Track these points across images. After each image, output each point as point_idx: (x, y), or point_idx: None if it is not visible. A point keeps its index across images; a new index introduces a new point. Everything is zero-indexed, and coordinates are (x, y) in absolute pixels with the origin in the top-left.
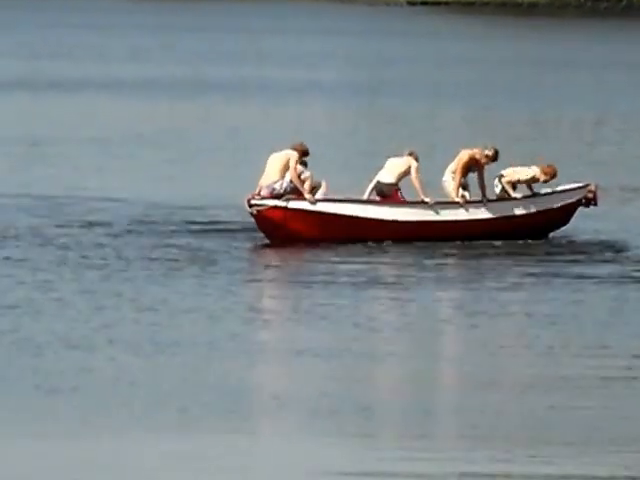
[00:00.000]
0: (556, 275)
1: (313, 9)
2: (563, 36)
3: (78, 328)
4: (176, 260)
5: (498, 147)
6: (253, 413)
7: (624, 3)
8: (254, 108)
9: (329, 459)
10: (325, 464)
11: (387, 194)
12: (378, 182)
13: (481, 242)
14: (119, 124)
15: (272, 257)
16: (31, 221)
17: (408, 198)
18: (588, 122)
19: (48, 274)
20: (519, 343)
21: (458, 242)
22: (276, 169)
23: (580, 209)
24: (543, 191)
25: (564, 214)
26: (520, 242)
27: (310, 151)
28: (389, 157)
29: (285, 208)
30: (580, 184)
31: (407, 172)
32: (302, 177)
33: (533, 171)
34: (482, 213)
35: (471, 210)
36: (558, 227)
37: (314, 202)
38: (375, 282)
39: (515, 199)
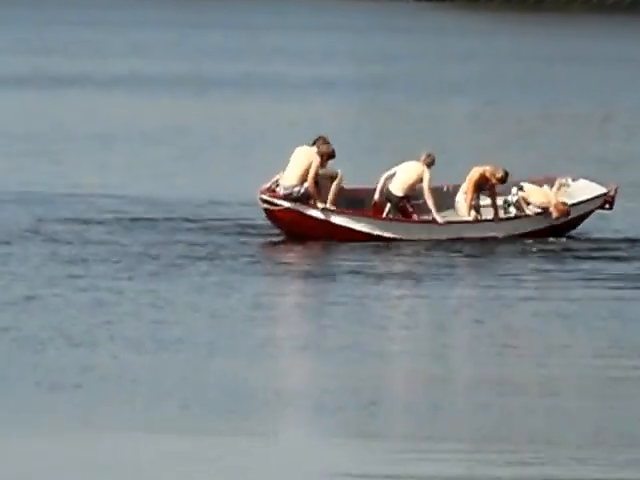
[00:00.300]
0: (567, 272)
1: (318, 5)
2: (569, 32)
3: (80, 325)
4: (179, 257)
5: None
6: (257, 411)
7: None
8: (258, 104)
9: (333, 459)
10: (329, 464)
11: (396, 204)
12: (388, 190)
13: (492, 239)
14: (122, 121)
15: (276, 254)
16: (33, 218)
17: (419, 203)
18: (595, 117)
19: (51, 270)
20: (529, 342)
21: (468, 242)
22: (297, 173)
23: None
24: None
25: (578, 221)
26: (531, 240)
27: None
28: (404, 161)
29: (299, 213)
30: (599, 192)
31: (418, 182)
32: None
33: (547, 198)
34: (494, 231)
35: (483, 229)
36: (569, 231)
37: (327, 211)
38: (382, 279)
39: (528, 216)
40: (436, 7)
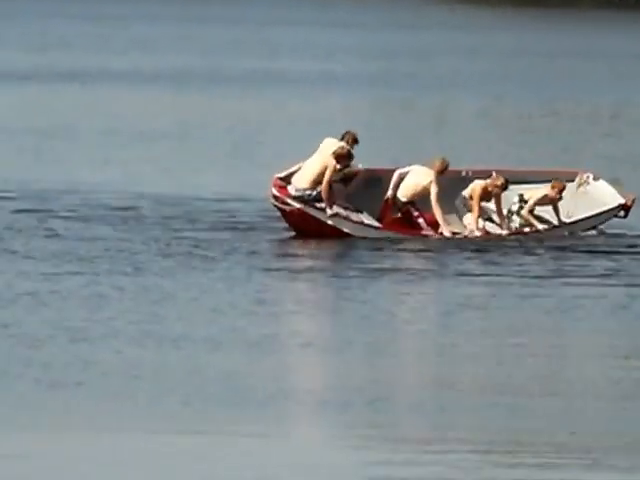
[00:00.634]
0: (577, 268)
1: (324, 1)
2: (577, 27)
3: (81, 321)
4: (182, 253)
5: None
6: (260, 408)
7: None
8: (267, 100)
9: (337, 456)
10: (333, 461)
11: (399, 208)
12: (395, 196)
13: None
14: (125, 116)
15: (280, 250)
16: (34, 213)
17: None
18: (603, 113)
19: (53, 267)
20: (538, 340)
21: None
22: (309, 178)
23: None
24: (570, 220)
25: (590, 229)
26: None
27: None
28: (417, 164)
29: (310, 216)
30: (615, 203)
31: (424, 192)
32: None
33: (544, 189)
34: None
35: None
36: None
37: (336, 218)
38: (387, 275)
39: (538, 231)
40: (442, 2)
